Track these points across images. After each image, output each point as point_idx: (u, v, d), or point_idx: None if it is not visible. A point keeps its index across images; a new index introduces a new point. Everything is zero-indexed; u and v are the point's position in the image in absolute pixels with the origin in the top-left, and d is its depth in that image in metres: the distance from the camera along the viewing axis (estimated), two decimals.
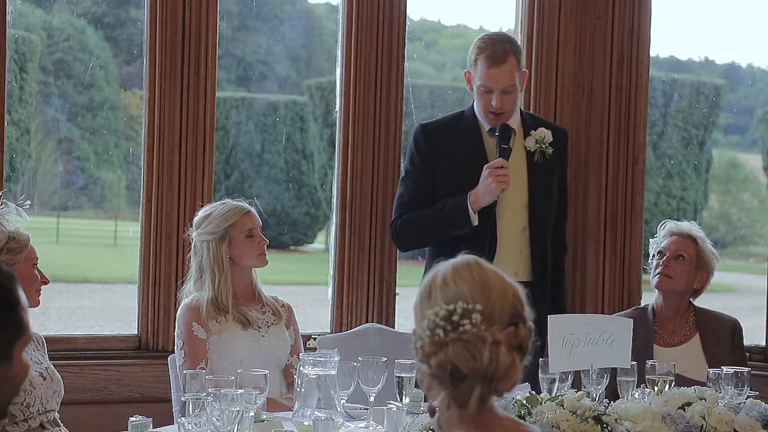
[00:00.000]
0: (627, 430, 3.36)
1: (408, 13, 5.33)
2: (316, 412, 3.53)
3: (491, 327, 2.23)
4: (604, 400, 3.59)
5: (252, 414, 3.35)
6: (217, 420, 3.20)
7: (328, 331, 5.23)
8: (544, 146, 4.50)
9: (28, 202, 4.02)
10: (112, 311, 12.96)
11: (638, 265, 5.55)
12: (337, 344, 4.31)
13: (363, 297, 5.26)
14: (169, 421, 4.02)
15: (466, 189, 4.39)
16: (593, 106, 5.55)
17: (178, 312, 4.22)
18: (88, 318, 12.91)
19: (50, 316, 12.25)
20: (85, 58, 14.62)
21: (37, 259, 3.91)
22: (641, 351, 4.19)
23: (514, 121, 4.52)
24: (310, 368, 3.59)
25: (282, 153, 15.55)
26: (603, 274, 5.53)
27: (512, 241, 4.48)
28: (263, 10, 15.65)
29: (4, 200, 4.05)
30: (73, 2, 14.36)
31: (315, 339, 4.73)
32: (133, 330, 5.04)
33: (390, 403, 3.60)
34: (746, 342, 4.61)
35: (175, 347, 4.19)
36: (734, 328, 4.50)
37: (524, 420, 3.32)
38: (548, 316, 3.84)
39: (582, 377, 3.76)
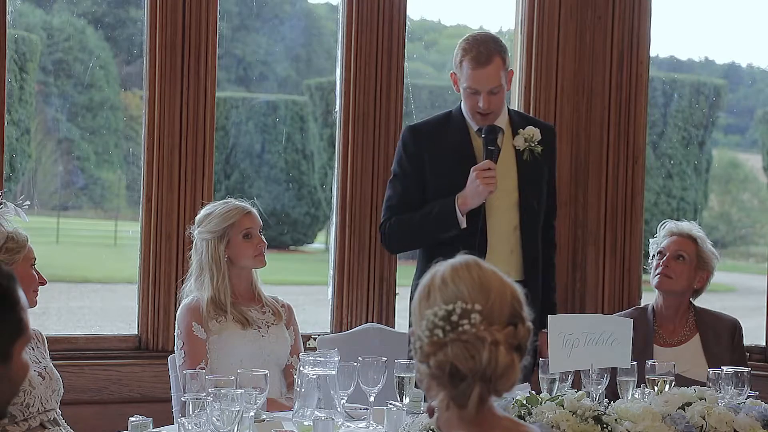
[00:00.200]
0: (627, 430, 3.36)
1: (408, 13, 5.33)
2: (316, 412, 3.53)
3: (490, 327, 2.23)
4: (604, 400, 3.59)
5: (252, 414, 3.35)
6: (217, 420, 3.20)
7: (328, 331, 5.23)
8: (533, 145, 4.48)
9: (27, 202, 4.03)
10: (112, 311, 12.96)
11: (638, 265, 5.55)
12: (337, 344, 4.32)
13: (363, 297, 5.25)
14: (169, 421, 4.02)
15: (455, 189, 4.37)
16: (593, 106, 5.55)
17: (178, 312, 4.22)
18: (88, 318, 12.91)
19: (50, 316, 12.25)
20: (85, 58, 14.62)
21: (35, 259, 3.91)
22: (641, 351, 4.19)
23: (502, 120, 4.49)
24: (310, 368, 3.59)
25: (282, 153, 15.55)
26: (603, 274, 5.53)
27: (503, 240, 4.46)
28: (263, 10, 15.64)
29: (3, 200, 4.05)
30: (73, 2, 14.36)
31: (315, 339, 4.74)
32: (133, 330, 5.04)
33: (390, 403, 3.60)
34: (746, 342, 4.62)
35: (175, 347, 4.19)
36: (734, 328, 4.50)
37: (524, 420, 3.32)
38: (548, 316, 3.85)
39: (582, 377, 3.76)
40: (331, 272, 5.29)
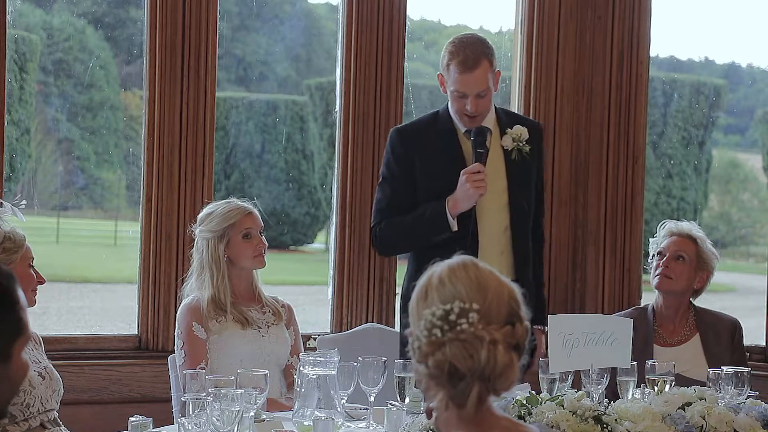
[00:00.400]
0: (627, 430, 3.36)
1: (408, 13, 5.33)
2: (316, 412, 3.53)
3: (488, 326, 2.24)
4: (604, 400, 3.59)
5: (252, 414, 3.35)
6: (217, 420, 3.20)
7: (328, 331, 5.23)
8: (521, 144, 4.47)
9: (24, 201, 4.03)
10: (112, 311, 12.96)
11: (638, 265, 5.55)
12: (337, 344, 4.32)
13: (363, 297, 5.26)
14: (169, 421, 4.02)
15: (445, 190, 4.35)
16: (593, 106, 5.55)
17: (178, 312, 4.22)
18: (88, 318, 12.91)
19: (50, 316, 12.25)
20: (85, 58, 14.61)
21: (33, 258, 3.91)
22: (641, 351, 4.19)
23: (490, 120, 4.47)
24: (310, 368, 3.59)
25: (282, 153, 15.54)
26: (603, 274, 5.54)
27: (494, 242, 4.45)
28: (263, 10, 15.64)
29: (1, 200, 4.05)
30: (73, 2, 14.36)
31: (315, 339, 4.73)
32: (133, 330, 5.04)
33: (390, 403, 3.60)
34: (746, 342, 4.62)
35: (175, 347, 4.19)
36: (734, 328, 4.50)
37: (524, 420, 3.32)
38: (548, 316, 3.85)
39: (582, 377, 3.76)
40: (331, 272, 5.29)
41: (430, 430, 3.11)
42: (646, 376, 3.80)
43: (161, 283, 4.95)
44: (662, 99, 14.58)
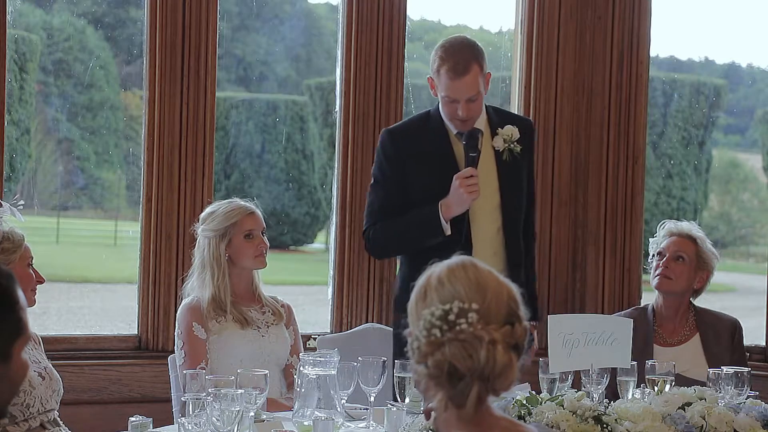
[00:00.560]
0: (627, 430, 3.36)
1: (408, 13, 5.33)
2: (316, 412, 3.53)
3: (488, 326, 2.24)
4: (604, 400, 3.59)
5: (252, 414, 3.35)
6: (217, 420, 3.20)
7: (328, 331, 5.23)
8: (512, 145, 4.45)
9: (22, 201, 4.03)
10: (112, 311, 12.96)
11: (638, 265, 5.55)
12: (337, 344, 4.31)
13: (363, 297, 5.26)
14: (169, 421, 4.02)
15: (437, 192, 4.32)
16: (593, 106, 5.55)
17: (179, 312, 4.23)
18: (88, 318, 12.91)
19: (50, 316, 12.25)
20: (85, 58, 14.61)
21: (33, 258, 3.91)
22: (641, 351, 4.19)
23: (481, 121, 4.43)
24: (310, 368, 3.59)
25: (282, 153, 15.54)
26: (603, 274, 5.54)
27: (487, 243, 4.43)
28: (263, 10, 15.64)
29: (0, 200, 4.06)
30: (73, 2, 14.36)
31: (315, 339, 4.73)
32: (133, 330, 5.04)
33: (390, 404, 3.60)
34: (746, 342, 4.61)
35: (175, 347, 4.19)
36: (734, 328, 4.50)
37: (524, 420, 3.32)
38: (548, 316, 3.84)
39: (582, 377, 3.76)
40: (331, 272, 5.29)
41: (430, 430, 3.11)
42: (646, 376, 3.80)
43: (161, 283, 4.95)
44: (662, 99, 14.59)
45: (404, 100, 5.32)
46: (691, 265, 4.48)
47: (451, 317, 2.24)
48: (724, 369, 3.75)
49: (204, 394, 3.32)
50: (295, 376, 3.94)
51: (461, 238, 4.30)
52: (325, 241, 14.85)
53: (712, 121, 15.55)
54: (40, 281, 3.92)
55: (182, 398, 3.43)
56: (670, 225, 4.57)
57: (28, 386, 3.74)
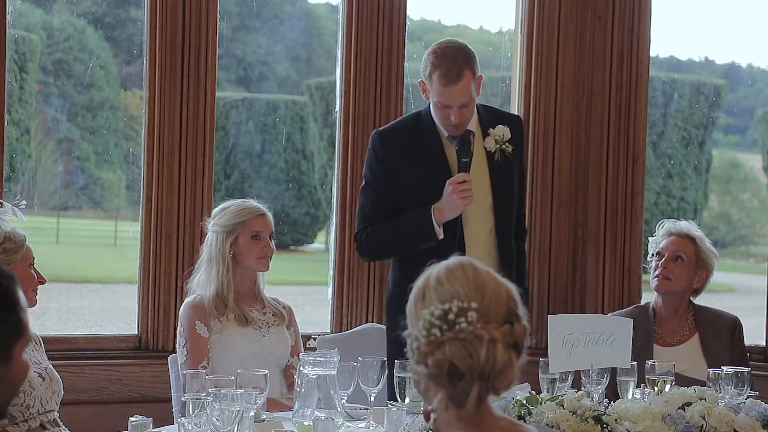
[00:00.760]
0: (627, 430, 3.36)
1: (408, 13, 5.33)
2: (316, 412, 3.53)
3: (487, 325, 2.24)
4: (604, 400, 3.59)
5: (252, 414, 3.35)
6: (217, 420, 3.20)
7: (328, 331, 5.23)
8: (504, 146, 4.42)
9: (24, 201, 4.03)
10: (112, 311, 12.96)
11: (638, 265, 5.55)
12: (337, 344, 4.31)
13: (363, 297, 5.26)
14: (169, 421, 4.02)
15: (429, 194, 4.28)
16: (593, 106, 5.55)
17: (181, 310, 4.23)
18: (88, 318, 12.91)
19: (50, 316, 12.25)
20: (85, 58, 14.61)
21: (34, 258, 3.91)
22: (641, 350, 4.19)
23: (472, 122, 4.41)
24: (310, 368, 3.59)
25: (282, 153, 15.54)
26: (603, 274, 5.54)
27: (480, 245, 4.41)
28: (263, 10, 15.64)
29: (1, 200, 4.06)
30: (73, 2, 14.36)
31: (315, 339, 4.74)
32: (133, 330, 5.04)
33: (390, 404, 3.60)
34: (746, 342, 4.61)
35: (177, 345, 4.19)
36: (734, 325, 4.50)
37: (524, 420, 3.32)
38: (548, 316, 3.84)
39: (582, 377, 3.76)
40: (331, 272, 5.30)
41: (430, 430, 3.11)
42: (646, 376, 3.80)
43: (161, 283, 4.96)
44: (662, 99, 14.59)
45: (404, 100, 5.32)
46: (690, 265, 4.48)
47: (451, 317, 2.24)
48: (724, 369, 3.75)
49: (204, 394, 3.33)
50: (295, 377, 3.95)
51: (454, 241, 4.29)
52: (325, 241, 14.85)
53: (712, 121, 15.55)
54: (42, 282, 3.92)
55: (182, 398, 3.43)
56: (668, 225, 4.56)
57: (28, 387, 3.74)
